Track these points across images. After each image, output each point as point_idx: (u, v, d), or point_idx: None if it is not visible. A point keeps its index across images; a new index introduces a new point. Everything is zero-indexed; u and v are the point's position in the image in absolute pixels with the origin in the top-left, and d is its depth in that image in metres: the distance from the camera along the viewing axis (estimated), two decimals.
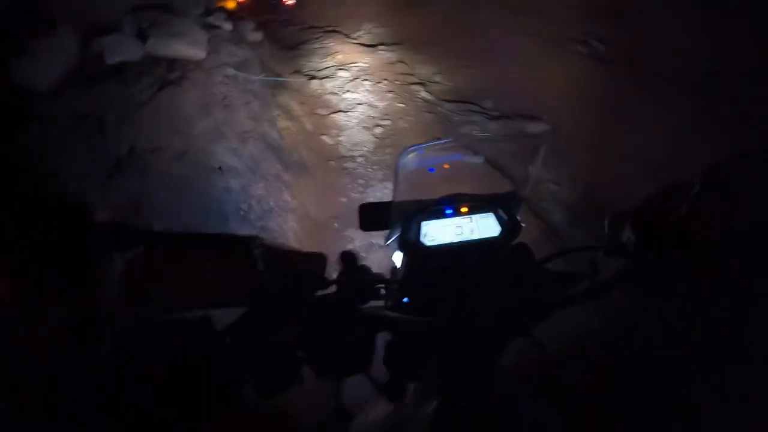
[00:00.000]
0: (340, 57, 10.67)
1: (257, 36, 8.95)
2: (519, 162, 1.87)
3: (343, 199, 5.62)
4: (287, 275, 0.77)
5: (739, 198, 0.76)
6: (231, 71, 5.66)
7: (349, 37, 11.85)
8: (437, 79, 9.30)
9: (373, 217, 1.36)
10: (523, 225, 1.14)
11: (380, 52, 10.84)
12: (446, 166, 1.27)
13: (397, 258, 1.30)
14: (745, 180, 0.76)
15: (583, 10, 7.32)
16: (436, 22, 10.86)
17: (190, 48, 5.56)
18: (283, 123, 6.07)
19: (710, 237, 0.76)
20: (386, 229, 1.29)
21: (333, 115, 7.41)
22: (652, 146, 5.07)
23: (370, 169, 6.19)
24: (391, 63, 10.26)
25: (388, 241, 1.28)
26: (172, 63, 5.32)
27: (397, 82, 9.01)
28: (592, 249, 0.98)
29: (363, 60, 10.35)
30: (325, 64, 10.32)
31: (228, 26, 6.85)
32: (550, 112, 6.89)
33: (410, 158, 1.17)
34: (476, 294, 0.95)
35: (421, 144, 1.19)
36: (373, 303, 1.06)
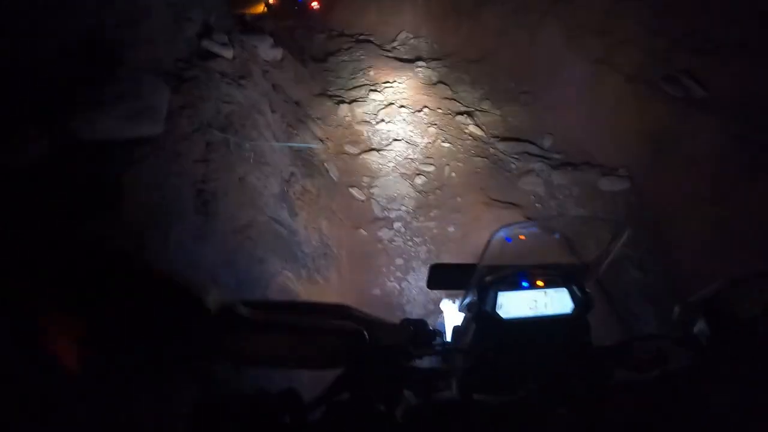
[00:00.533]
0: (372, 74, 9.57)
1: (276, 54, 7.62)
2: (595, 239, 1.25)
3: (377, 292, 4.40)
4: (377, 342, 0.81)
5: None
6: (217, 135, 4.08)
7: (382, 49, 10.68)
8: (486, 106, 8.12)
9: (442, 277, 1.34)
10: (593, 299, 1.13)
11: (419, 69, 9.75)
12: (522, 237, 1.19)
13: (446, 307, 1.52)
14: None
15: (675, 38, 5.75)
16: (485, 35, 9.66)
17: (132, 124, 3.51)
18: (298, 185, 4.76)
19: None
20: (452, 288, 1.42)
21: (364, 156, 6.27)
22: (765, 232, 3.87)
23: (410, 243, 5.00)
24: (432, 84, 9.07)
25: (460, 308, 1.27)
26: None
27: (439, 110, 7.80)
28: (662, 338, 0.93)
29: (399, 79, 9.26)
30: (355, 83, 9.23)
31: (228, 53, 5.33)
32: (628, 165, 5.54)
33: (501, 233, 1.12)
34: (545, 371, 0.91)
35: (510, 225, 1.11)
36: (426, 359, 1.03)
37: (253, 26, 8.99)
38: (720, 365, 0.78)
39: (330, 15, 11.72)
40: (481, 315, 1.10)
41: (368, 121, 7.70)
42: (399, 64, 9.84)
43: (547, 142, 6.98)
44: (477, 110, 8.01)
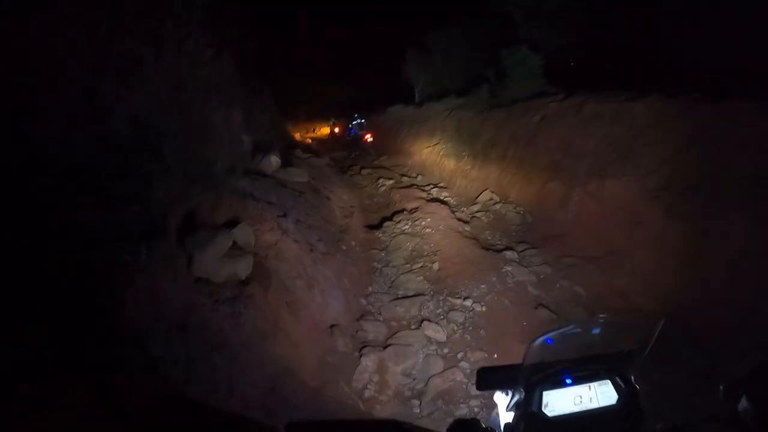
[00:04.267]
0: None
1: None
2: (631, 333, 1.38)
3: None
4: None
5: None
6: None
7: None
8: None
9: (490, 379, 1.43)
10: (639, 389, 1.21)
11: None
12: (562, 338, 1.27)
13: (500, 400, 1.52)
14: None
15: None
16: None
17: None
18: None
19: None
20: (500, 389, 1.46)
21: None
22: None
23: None
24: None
25: (509, 407, 1.34)
26: None
27: None
28: (711, 422, 0.98)
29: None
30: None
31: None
32: None
33: (542, 338, 1.21)
34: None
35: (548, 333, 1.21)
36: None
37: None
38: None
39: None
40: (528, 415, 1.17)
41: None
42: None
43: None
44: None
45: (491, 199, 9.44)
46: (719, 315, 4.79)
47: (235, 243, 4.77)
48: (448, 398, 4.53)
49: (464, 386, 4.60)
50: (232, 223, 5.09)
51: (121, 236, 3.74)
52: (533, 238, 7.88)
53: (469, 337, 5.37)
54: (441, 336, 5.40)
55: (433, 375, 4.80)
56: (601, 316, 4.54)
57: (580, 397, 1.20)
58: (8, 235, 2.89)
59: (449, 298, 6.13)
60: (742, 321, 4.55)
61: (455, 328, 5.59)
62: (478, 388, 1.46)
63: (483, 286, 6.40)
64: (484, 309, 5.87)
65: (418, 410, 4.48)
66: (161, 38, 5.41)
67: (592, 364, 1.30)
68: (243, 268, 4.54)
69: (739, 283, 4.84)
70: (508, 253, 7.26)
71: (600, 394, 1.21)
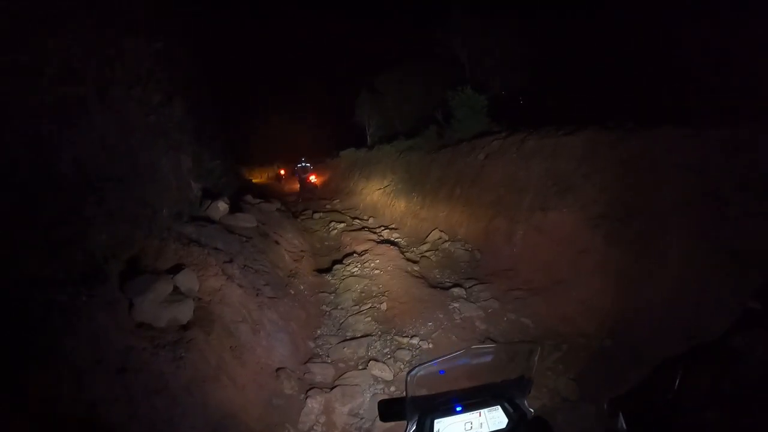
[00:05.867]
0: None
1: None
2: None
3: None
4: None
5: (728, 368, 0.91)
6: None
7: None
8: None
9: (390, 410, 1.52)
10: (531, 411, 1.33)
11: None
12: (455, 367, 1.38)
13: None
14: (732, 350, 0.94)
15: None
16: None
17: None
18: None
19: (697, 414, 0.88)
20: (401, 420, 1.44)
21: None
22: None
23: None
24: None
25: None
26: None
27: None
28: None
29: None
30: None
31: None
32: None
33: (421, 370, 1.32)
34: None
35: (431, 360, 1.31)
36: None
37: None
38: None
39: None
40: None
41: None
42: None
43: None
44: None
45: (440, 238, 9.70)
46: (662, 333, 5.03)
47: (177, 288, 4.84)
48: None
49: None
50: (176, 269, 5.16)
51: (61, 279, 3.81)
52: (481, 274, 8.14)
53: None
54: (388, 375, 5.53)
55: None
56: (481, 346, 5.30)
57: (471, 423, 1.31)
58: None
59: (396, 337, 6.28)
60: (685, 337, 4.72)
61: (402, 366, 5.73)
62: (381, 420, 1.56)
63: (430, 323, 6.58)
64: (430, 346, 6.04)
65: None
66: (109, 83, 5.54)
67: (481, 391, 1.42)
68: (184, 312, 4.61)
69: (680, 302, 5.11)
70: (456, 290, 7.47)
71: (490, 420, 1.32)
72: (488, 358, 1.50)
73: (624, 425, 0.96)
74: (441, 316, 6.75)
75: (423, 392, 1.39)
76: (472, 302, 7.11)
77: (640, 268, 5.83)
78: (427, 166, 12.60)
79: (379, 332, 6.50)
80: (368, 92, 21.11)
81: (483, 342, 6.03)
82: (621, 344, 5.19)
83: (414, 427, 1.36)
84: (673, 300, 5.20)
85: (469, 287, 7.61)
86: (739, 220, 4.97)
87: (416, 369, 1.32)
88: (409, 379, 1.32)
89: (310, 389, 5.25)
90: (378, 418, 1.58)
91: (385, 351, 6.06)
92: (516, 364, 1.46)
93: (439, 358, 1.35)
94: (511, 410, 1.32)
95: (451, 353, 1.39)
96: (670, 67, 8.46)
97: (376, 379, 5.48)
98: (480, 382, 1.48)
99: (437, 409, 1.34)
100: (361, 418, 4.96)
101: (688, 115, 6.32)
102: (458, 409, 1.34)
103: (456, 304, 7.04)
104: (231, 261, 6.30)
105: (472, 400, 1.36)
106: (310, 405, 5.00)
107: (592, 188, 7.15)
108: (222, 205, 8.03)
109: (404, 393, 1.46)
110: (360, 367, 5.73)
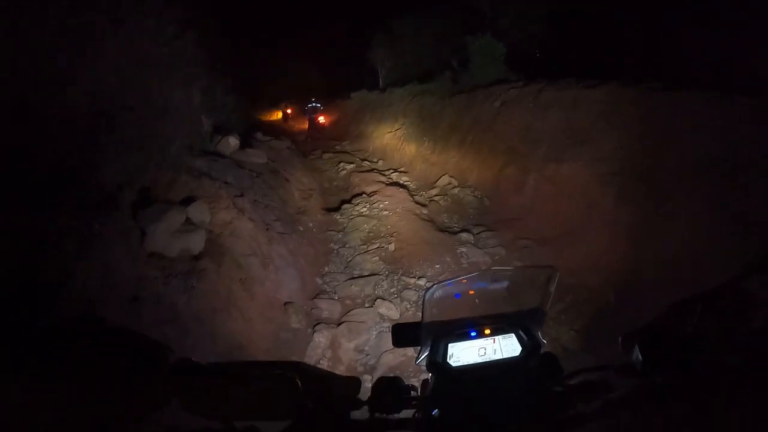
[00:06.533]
0: None
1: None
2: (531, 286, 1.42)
3: None
4: (323, 396, 0.96)
5: (746, 312, 0.90)
6: None
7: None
8: None
9: (403, 335, 1.46)
10: (544, 342, 1.28)
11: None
12: (471, 292, 1.38)
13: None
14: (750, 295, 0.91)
15: None
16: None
17: None
18: None
19: (715, 356, 0.87)
20: (416, 345, 1.41)
21: None
22: None
23: None
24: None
25: (418, 361, 1.38)
26: None
27: None
28: (605, 369, 1.07)
29: None
30: None
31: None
32: None
33: (438, 289, 1.26)
34: (499, 411, 1.06)
35: (448, 279, 1.28)
36: (405, 413, 1.13)
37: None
38: (650, 389, 0.91)
39: None
40: (435, 366, 1.23)
41: None
42: None
43: None
44: None
45: (450, 184, 9.63)
46: (666, 292, 4.98)
47: (189, 219, 4.82)
48: (399, 373, 4.69)
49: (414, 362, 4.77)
50: (188, 201, 5.14)
51: (74, 206, 3.78)
52: (489, 221, 8.10)
53: (420, 315, 5.54)
54: (394, 314, 5.58)
55: (386, 351, 4.97)
56: (500, 268, 5.49)
57: (485, 348, 1.28)
58: None
59: (404, 278, 6.31)
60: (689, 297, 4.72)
61: (408, 306, 5.79)
62: (393, 345, 1.51)
63: (437, 266, 6.60)
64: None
65: (370, 384, 4.64)
66: (121, 13, 5.38)
67: (496, 318, 1.36)
68: (196, 243, 4.61)
69: (685, 263, 5.04)
70: (464, 235, 7.46)
71: (504, 347, 1.28)
72: (505, 283, 1.44)
73: (639, 357, 0.94)
74: (448, 259, 6.77)
75: (437, 317, 1.34)
76: (479, 248, 7.10)
77: (649, 228, 5.76)
78: (440, 111, 12.39)
79: (387, 272, 6.53)
80: (383, 34, 20.59)
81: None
82: (624, 300, 5.17)
83: (427, 352, 1.33)
84: (679, 261, 5.13)
85: (477, 233, 7.58)
86: (749, 186, 4.86)
87: (433, 288, 1.26)
88: (426, 298, 1.26)
89: (317, 324, 5.31)
90: (380, 356, 1.44)
91: (391, 290, 6.10)
92: (533, 291, 1.40)
93: (456, 278, 1.29)
94: (525, 339, 1.28)
95: (469, 274, 1.34)
96: (704, 30, 8.06)
97: (382, 317, 5.53)
98: (495, 308, 1.43)
99: (451, 333, 1.30)
100: (366, 355, 5.04)
101: (717, 80, 6.07)
102: (473, 334, 1.30)
103: (463, 249, 7.04)
104: (242, 195, 6.27)
105: (487, 326, 1.32)
106: (316, 339, 5.06)
107: (608, 144, 7.00)
108: (233, 141, 7.96)
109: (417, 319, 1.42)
110: (366, 305, 5.77)
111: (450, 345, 1.26)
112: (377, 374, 4.73)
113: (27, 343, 0.73)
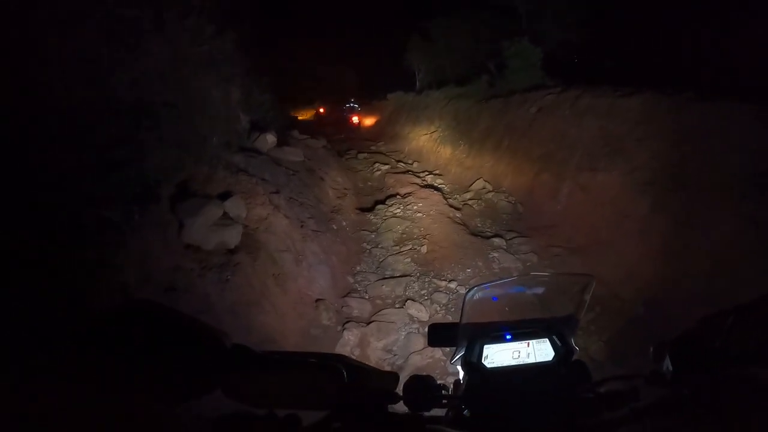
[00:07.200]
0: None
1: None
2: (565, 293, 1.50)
3: None
4: (364, 388, 0.95)
5: None
6: None
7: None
8: None
9: (439, 335, 1.48)
10: (576, 349, 1.30)
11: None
12: (508, 296, 1.41)
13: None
14: None
15: None
16: None
17: None
18: None
19: (745, 369, 0.86)
20: (450, 346, 1.44)
21: None
22: None
23: None
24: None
25: (453, 360, 1.42)
26: None
27: None
28: (634, 377, 1.06)
29: None
30: None
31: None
32: None
33: (478, 291, 1.28)
34: (529, 414, 1.07)
35: (487, 282, 1.29)
36: (435, 411, 1.14)
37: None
38: (682, 398, 0.89)
39: None
40: (470, 366, 1.26)
41: None
42: None
43: None
44: None
45: (484, 188, 9.57)
46: (697, 306, 4.88)
47: (226, 214, 4.89)
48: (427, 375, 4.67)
49: (442, 363, 4.74)
50: (225, 196, 5.21)
51: (115, 198, 3.86)
52: (522, 227, 8.01)
53: (450, 318, 5.51)
54: (424, 315, 5.55)
55: (414, 352, 4.95)
56: (538, 273, 4.71)
57: (519, 352, 1.29)
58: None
59: (435, 280, 6.29)
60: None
61: (438, 308, 5.75)
62: (429, 344, 1.52)
63: (469, 270, 6.56)
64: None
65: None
66: (163, 11, 5.50)
67: (532, 322, 1.39)
68: (232, 237, 4.67)
69: (720, 278, 4.90)
70: (496, 240, 7.39)
71: (537, 351, 1.30)
72: (541, 288, 1.46)
73: (670, 366, 0.94)
74: (480, 264, 6.71)
75: (474, 319, 1.35)
76: (511, 254, 7.03)
77: (682, 240, 5.60)
78: (476, 115, 12.33)
79: (418, 273, 6.51)
80: (420, 37, 20.58)
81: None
82: (654, 312, 5.05)
83: (462, 352, 1.35)
84: (711, 276, 4.99)
85: (509, 239, 7.51)
86: None
87: (473, 291, 1.27)
88: (466, 300, 1.27)
89: (347, 322, 5.33)
90: (408, 357, 1.43)
91: (422, 292, 6.07)
92: (568, 297, 1.42)
93: (494, 281, 1.33)
94: (558, 345, 1.30)
95: (501, 279, 1.41)
96: (743, 39, 7.85)
97: (411, 318, 5.51)
98: (530, 312, 1.45)
99: (487, 335, 1.32)
100: (395, 355, 5.03)
101: (756, 93, 5.89)
102: (508, 337, 1.32)
103: (495, 254, 6.98)
104: (278, 192, 6.33)
105: (522, 330, 1.34)
106: (346, 337, 5.08)
107: (643, 153, 6.85)
108: (270, 138, 8.04)
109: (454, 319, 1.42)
110: (397, 306, 5.76)
111: (486, 346, 1.28)
112: (404, 374, 4.70)
113: (86, 325, 0.73)
